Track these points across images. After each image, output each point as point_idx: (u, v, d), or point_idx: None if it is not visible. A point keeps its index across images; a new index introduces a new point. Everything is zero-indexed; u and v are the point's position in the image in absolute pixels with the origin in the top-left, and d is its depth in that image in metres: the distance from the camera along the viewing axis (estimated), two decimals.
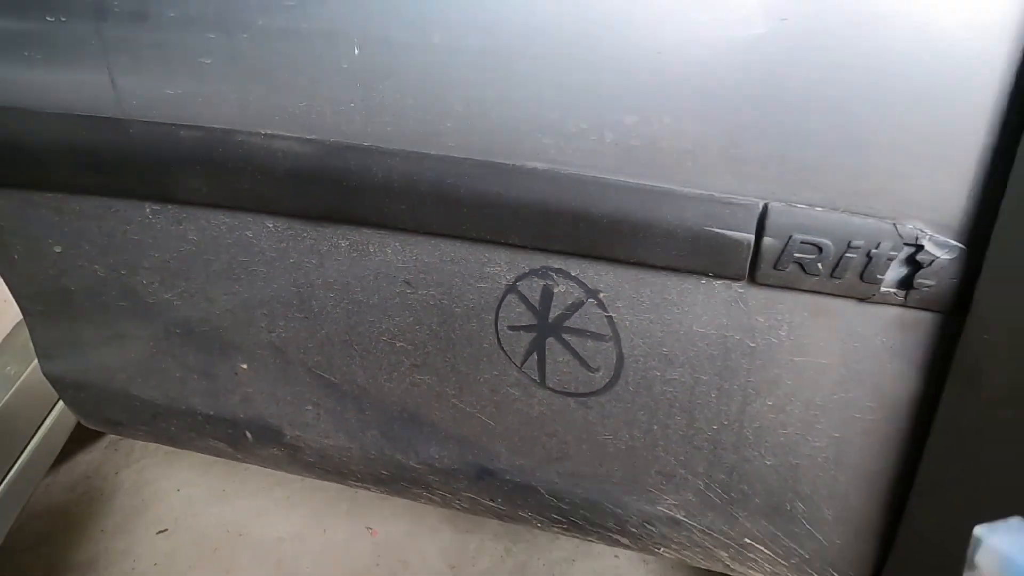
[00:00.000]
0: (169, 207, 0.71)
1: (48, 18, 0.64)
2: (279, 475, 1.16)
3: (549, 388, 0.64)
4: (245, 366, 0.80)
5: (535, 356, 0.63)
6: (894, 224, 0.46)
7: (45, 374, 0.94)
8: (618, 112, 0.49)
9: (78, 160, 0.70)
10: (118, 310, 0.82)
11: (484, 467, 0.74)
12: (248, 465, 0.99)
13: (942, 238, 0.45)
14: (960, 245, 0.45)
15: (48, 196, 0.75)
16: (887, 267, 0.47)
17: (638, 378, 0.59)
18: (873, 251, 0.46)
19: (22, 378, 1.05)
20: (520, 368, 0.64)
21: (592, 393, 0.62)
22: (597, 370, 0.61)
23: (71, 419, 1.20)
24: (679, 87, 0.47)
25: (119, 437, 1.62)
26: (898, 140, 0.44)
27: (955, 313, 0.47)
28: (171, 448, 1.04)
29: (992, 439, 0.47)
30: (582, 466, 0.67)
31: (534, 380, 0.64)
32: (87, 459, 1.58)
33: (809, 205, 0.47)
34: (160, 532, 1.38)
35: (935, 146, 0.44)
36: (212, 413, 0.86)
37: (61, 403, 1.15)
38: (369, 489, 0.86)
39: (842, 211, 0.47)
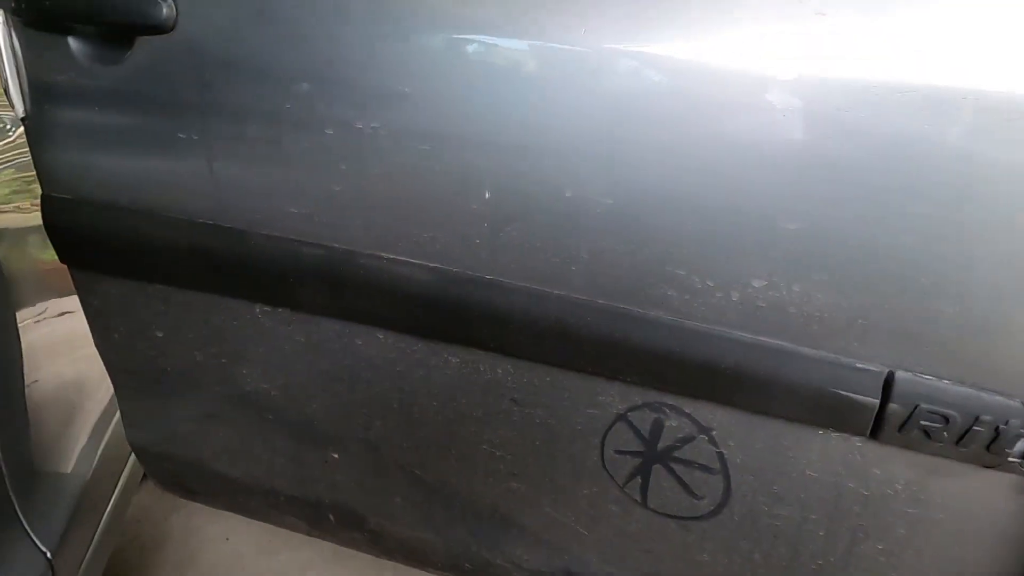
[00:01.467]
0: (279, 310, 0.74)
1: (180, 135, 0.68)
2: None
3: (650, 509, 0.66)
4: (336, 456, 0.83)
5: (639, 479, 0.65)
6: (1022, 402, 0.48)
7: (130, 442, 0.98)
8: (746, 275, 0.52)
9: (195, 263, 0.74)
10: (212, 393, 0.85)
11: (572, 571, 0.75)
12: None
13: None
14: None
15: (159, 288, 0.79)
16: (1016, 442, 0.48)
17: (744, 510, 0.61)
18: (1002, 427, 0.48)
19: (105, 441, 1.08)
20: (622, 488, 0.66)
21: (695, 518, 0.64)
22: (702, 498, 0.63)
23: (137, 478, 1.23)
24: (811, 262, 0.50)
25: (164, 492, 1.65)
26: (1020, 329, 0.46)
27: None
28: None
29: None
30: None
31: (635, 500, 0.66)
32: (136, 501, 1.61)
33: (937, 377, 0.49)
34: None
35: None
36: (295, 495, 0.89)
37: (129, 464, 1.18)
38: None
39: (970, 386, 0.49)
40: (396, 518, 0.83)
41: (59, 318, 0.98)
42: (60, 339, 0.99)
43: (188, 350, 0.82)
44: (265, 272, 0.71)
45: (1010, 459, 0.50)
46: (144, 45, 0.65)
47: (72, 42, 0.68)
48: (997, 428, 0.48)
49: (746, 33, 0.48)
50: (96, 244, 0.78)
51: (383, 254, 0.65)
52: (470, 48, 0.56)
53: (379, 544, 0.89)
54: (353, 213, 0.64)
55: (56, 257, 0.80)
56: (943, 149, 0.45)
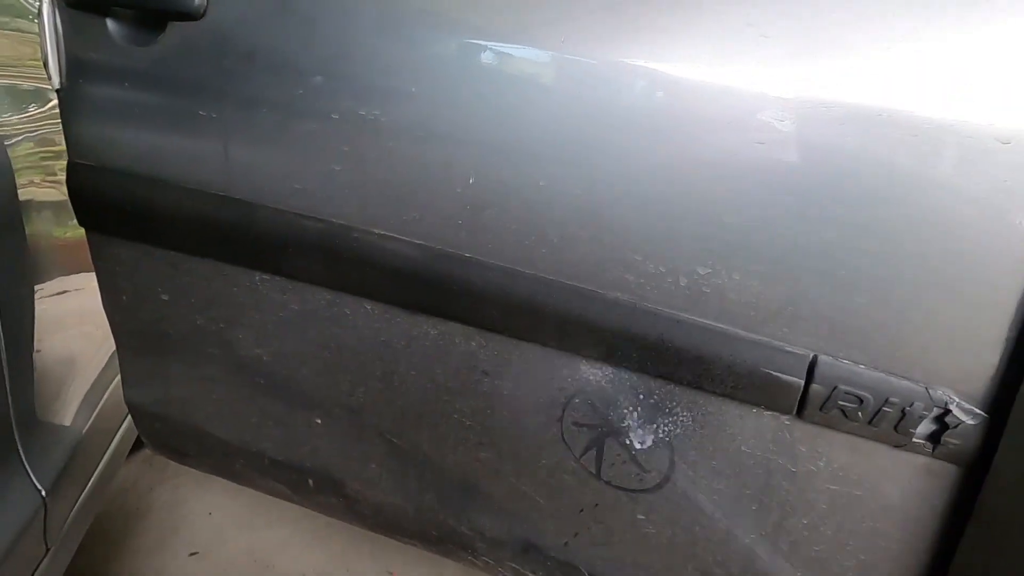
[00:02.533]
0: (277, 278, 0.81)
1: (200, 112, 0.75)
2: (304, 510, 1.23)
3: (603, 480, 0.71)
4: (320, 422, 0.89)
5: (594, 451, 0.70)
6: (927, 388, 0.54)
7: (127, 401, 1.03)
8: (692, 263, 0.59)
9: (203, 230, 0.81)
10: (209, 356, 0.91)
11: (531, 541, 0.80)
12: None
13: (968, 406, 0.53)
14: (983, 413, 0.53)
15: (168, 253, 0.86)
16: (919, 423, 0.54)
17: (687, 484, 0.67)
18: (907, 408, 0.54)
19: (102, 402, 1.14)
20: (578, 460, 0.72)
21: (643, 491, 0.70)
22: (650, 472, 0.68)
23: (129, 443, 1.28)
24: (748, 253, 0.56)
25: (154, 454, 1.70)
26: (933, 319, 0.53)
27: (976, 469, 0.55)
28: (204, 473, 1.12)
29: None
30: (624, 553, 0.74)
31: (590, 472, 0.72)
32: (123, 473, 1.65)
33: (854, 362, 0.55)
34: (192, 555, 1.45)
35: (966, 327, 0.52)
36: (280, 458, 0.95)
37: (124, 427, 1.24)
38: (416, 546, 0.93)
39: (883, 371, 0.55)
40: (372, 484, 0.89)
41: (56, 297, 1.04)
42: (58, 317, 1.05)
43: (190, 314, 0.89)
44: (267, 242, 0.77)
45: (914, 439, 0.55)
46: (175, 29, 0.73)
47: (110, 23, 0.76)
48: (904, 410, 0.54)
49: (697, 49, 0.56)
50: (114, 209, 0.84)
51: (375, 230, 0.71)
52: (464, 51, 0.64)
53: (354, 510, 0.94)
54: (351, 191, 0.71)
55: (66, 234, 0.86)
56: (859, 159, 0.52)
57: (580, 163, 0.61)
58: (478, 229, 0.66)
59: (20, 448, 0.85)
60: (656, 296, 0.61)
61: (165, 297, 0.89)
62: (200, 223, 0.81)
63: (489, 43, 0.63)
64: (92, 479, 1.08)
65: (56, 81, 0.81)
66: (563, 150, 0.61)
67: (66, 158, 0.83)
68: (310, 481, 0.95)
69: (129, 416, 1.20)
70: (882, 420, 0.56)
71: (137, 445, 1.33)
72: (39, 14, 0.78)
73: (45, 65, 0.81)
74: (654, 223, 0.59)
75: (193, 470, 1.62)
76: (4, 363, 0.84)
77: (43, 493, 0.87)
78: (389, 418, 0.83)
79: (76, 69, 0.79)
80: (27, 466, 0.85)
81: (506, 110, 0.63)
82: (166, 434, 1.05)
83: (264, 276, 0.82)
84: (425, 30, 0.65)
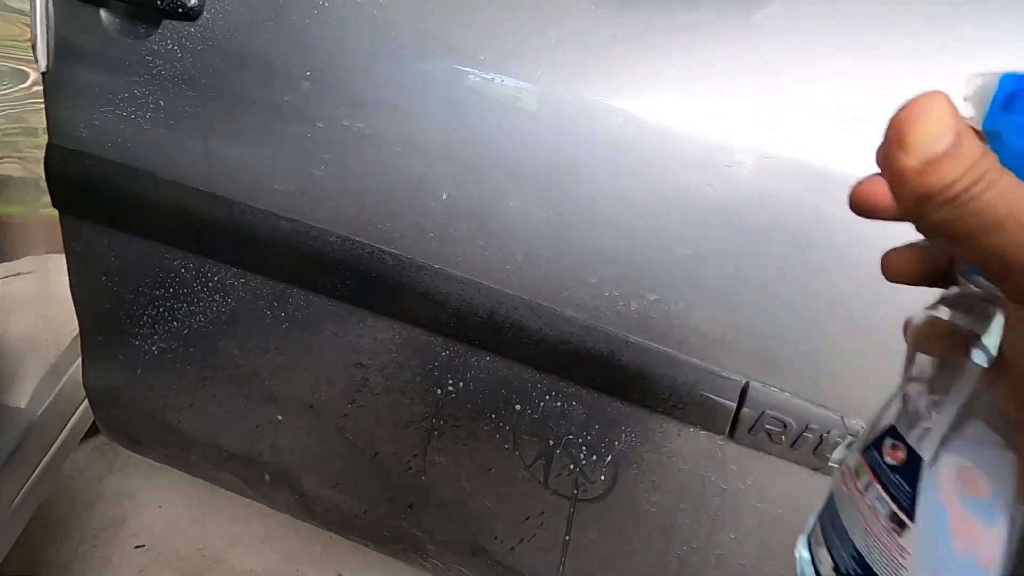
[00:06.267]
0: (251, 275, 0.83)
1: (186, 109, 0.78)
2: (257, 508, 1.23)
3: (550, 489, 0.75)
4: (280, 418, 0.90)
5: (543, 460, 0.74)
6: (842, 417, 0.60)
7: (86, 385, 1.03)
8: (643, 289, 0.63)
9: (177, 221, 0.83)
10: (175, 346, 0.92)
11: (479, 545, 0.83)
12: (228, 493, 1.06)
13: None
14: None
15: (138, 240, 0.87)
16: (834, 449, 0.60)
17: (627, 496, 0.71)
18: (824, 435, 0.60)
19: (58, 387, 1.13)
20: (527, 468, 0.75)
21: (587, 500, 0.73)
22: (594, 483, 0.72)
23: (82, 430, 1.27)
24: (695, 284, 0.61)
25: (106, 442, 1.66)
26: (848, 354, 0.59)
27: None
28: (156, 462, 1.11)
29: None
30: (568, 559, 0.78)
31: (539, 480, 0.75)
32: (72, 460, 1.62)
33: (781, 389, 0.61)
34: (138, 547, 1.42)
35: (873, 363, 0.58)
36: (237, 452, 0.96)
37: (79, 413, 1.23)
38: (368, 546, 0.94)
39: (805, 399, 0.60)
40: (328, 482, 0.91)
41: (17, 278, 1.03)
42: (17, 297, 1.04)
43: (155, 301, 0.90)
44: (243, 238, 0.80)
45: (830, 463, 0.61)
46: (169, 27, 0.75)
47: (104, 14, 0.78)
48: (822, 436, 0.60)
49: (661, 94, 0.61)
50: (89, 193, 0.85)
51: (348, 235, 0.74)
52: (448, 73, 0.68)
53: (308, 507, 0.95)
54: (329, 197, 0.74)
55: (25, 212, 0.86)
56: (793, 205, 0.58)
57: (548, 189, 0.65)
58: (448, 242, 0.70)
59: None
60: (609, 317, 0.65)
61: (132, 283, 0.90)
62: (173, 213, 0.82)
63: (471, 69, 0.67)
64: (42, 464, 1.06)
65: (43, 64, 0.83)
66: (534, 175, 0.66)
67: (34, 137, 0.84)
68: (266, 476, 0.96)
69: (84, 403, 1.19)
70: (803, 444, 0.61)
71: (90, 433, 1.31)
72: None
73: (33, 47, 0.82)
74: (611, 250, 0.64)
75: (145, 461, 1.60)
76: None
77: None
78: (350, 419, 0.85)
79: (64, 54, 0.80)
80: None
81: (483, 133, 0.67)
82: (123, 421, 1.04)
83: (235, 270, 0.84)
84: (413, 49, 0.69)
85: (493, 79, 0.67)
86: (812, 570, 0.29)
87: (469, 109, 0.67)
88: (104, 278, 0.90)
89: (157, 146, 0.80)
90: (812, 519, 0.30)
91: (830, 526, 0.28)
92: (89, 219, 0.88)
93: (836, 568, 0.27)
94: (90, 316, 0.96)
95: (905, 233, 0.23)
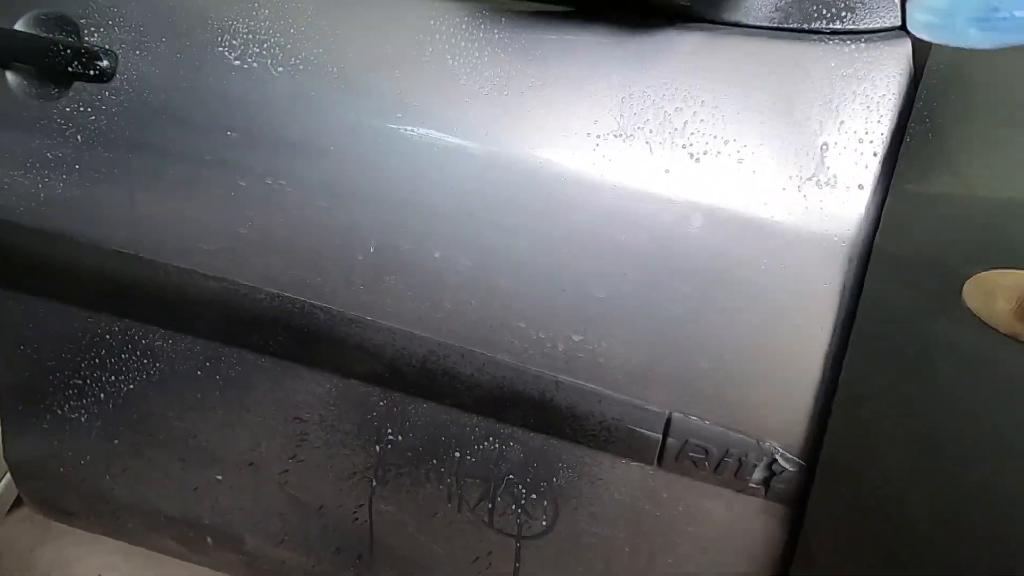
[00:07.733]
0: (181, 336, 0.81)
1: (102, 170, 0.76)
2: (201, 572, 1.17)
3: (495, 528, 0.76)
4: (220, 477, 0.88)
5: (487, 502, 0.75)
6: (757, 441, 0.64)
7: (8, 459, 0.97)
8: (568, 331, 0.66)
9: (99, 285, 0.80)
10: (104, 412, 0.88)
11: None
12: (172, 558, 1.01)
13: (789, 455, 0.63)
14: (801, 461, 0.63)
15: (56, 306, 0.84)
16: (753, 471, 0.64)
17: (569, 530, 0.73)
18: (743, 458, 0.63)
19: None
20: (472, 509, 0.76)
21: (530, 537, 0.75)
22: (537, 519, 0.74)
23: (8, 501, 1.19)
24: (614, 323, 0.65)
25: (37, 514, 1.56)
26: (760, 381, 0.63)
27: (800, 508, 0.64)
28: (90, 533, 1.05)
29: None
30: None
31: (484, 521, 0.76)
32: (1, 533, 1.51)
33: (701, 418, 0.64)
34: None
35: (784, 388, 0.63)
36: (177, 515, 0.92)
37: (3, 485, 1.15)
38: None
39: (724, 427, 0.64)
40: (273, 539, 0.88)
41: None
42: None
43: (79, 368, 0.86)
44: (170, 299, 0.78)
45: (751, 484, 0.65)
46: (80, 89, 0.74)
47: (10, 76, 0.76)
48: (740, 459, 0.64)
49: (576, 146, 0.65)
50: (1, 260, 0.82)
51: (278, 292, 0.74)
52: (369, 130, 0.70)
53: (254, 567, 0.93)
54: (257, 254, 0.74)
55: None
56: (700, 247, 0.62)
57: (471, 238, 0.68)
58: (377, 294, 0.71)
59: None
60: (538, 360, 0.68)
61: (55, 351, 0.87)
62: (95, 279, 0.80)
63: (395, 125, 0.69)
64: None
65: None
66: (455, 224, 0.68)
67: None
68: (208, 539, 0.93)
69: (8, 474, 1.12)
70: (725, 469, 0.64)
71: (17, 503, 1.23)
72: None
73: None
74: (535, 294, 0.67)
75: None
76: None
77: None
78: (292, 474, 0.84)
79: None
80: None
81: (405, 184, 0.69)
82: (50, 492, 0.99)
83: (162, 331, 0.82)
84: (333, 107, 0.70)
85: (413, 131, 0.69)
86: None
87: (391, 161, 0.69)
88: (22, 347, 0.87)
89: (73, 209, 0.78)
90: None
91: None
92: (1, 286, 0.84)
93: None
94: (8, 386, 0.91)
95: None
